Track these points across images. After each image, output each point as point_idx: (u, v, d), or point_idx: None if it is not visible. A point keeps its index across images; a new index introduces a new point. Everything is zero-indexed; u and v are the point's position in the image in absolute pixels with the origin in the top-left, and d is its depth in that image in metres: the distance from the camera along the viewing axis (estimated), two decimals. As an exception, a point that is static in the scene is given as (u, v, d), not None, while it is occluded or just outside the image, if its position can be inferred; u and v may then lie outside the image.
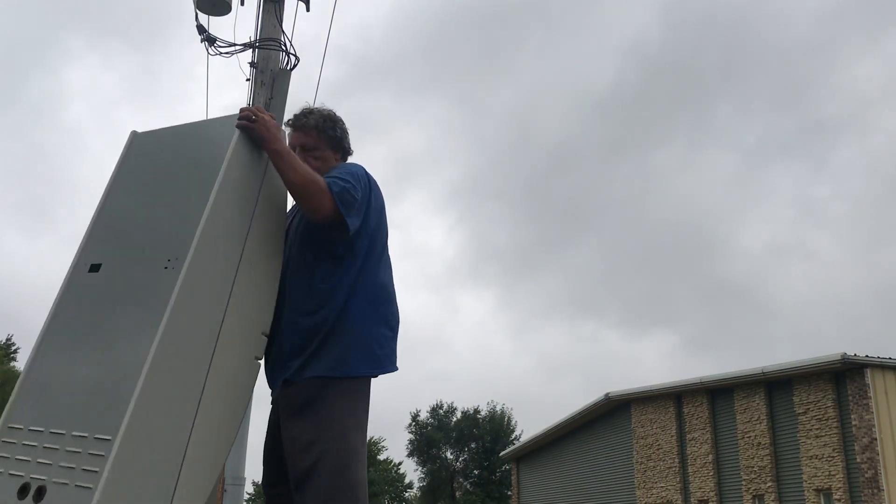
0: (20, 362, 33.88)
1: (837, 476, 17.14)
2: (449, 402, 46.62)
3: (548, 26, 72.26)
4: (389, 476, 47.10)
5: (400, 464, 47.94)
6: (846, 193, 67.35)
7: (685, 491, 21.65)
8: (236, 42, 7.64)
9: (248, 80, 7.62)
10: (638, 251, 66.46)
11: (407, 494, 48.36)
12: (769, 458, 19.00)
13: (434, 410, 46.25)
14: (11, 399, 2.22)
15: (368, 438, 2.69)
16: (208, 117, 3.88)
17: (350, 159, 2.83)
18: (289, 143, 2.65)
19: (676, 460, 21.96)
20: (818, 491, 17.62)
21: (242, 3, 7.75)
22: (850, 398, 17.15)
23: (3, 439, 2.16)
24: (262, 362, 2.49)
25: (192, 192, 2.36)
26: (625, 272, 68.41)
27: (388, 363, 2.60)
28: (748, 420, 19.74)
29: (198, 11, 7.48)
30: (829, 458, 17.44)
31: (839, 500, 17.02)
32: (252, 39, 7.60)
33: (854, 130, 68.19)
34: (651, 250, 65.97)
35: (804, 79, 69.32)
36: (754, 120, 65.18)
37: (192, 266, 2.18)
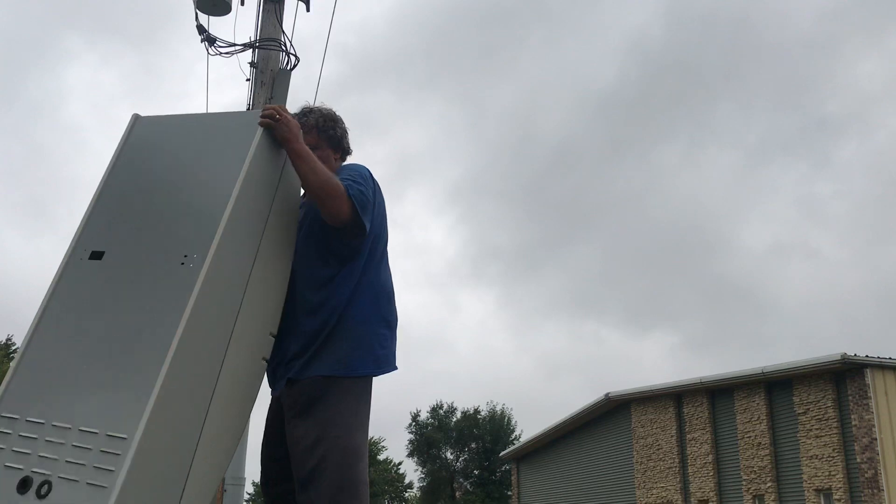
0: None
1: (837, 476, 17.15)
2: (449, 402, 46.64)
3: (549, 25, 72.33)
4: (389, 476, 47.06)
5: (400, 464, 47.98)
6: (848, 192, 67.33)
7: (685, 491, 21.66)
8: (236, 42, 7.66)
9: (248, 80, 7.65)
10: (639, 250, 66.48)
11: (407, 494, 48.38)
12: (769, 458, 19.01)
13: (434, 410, 46.24)
14: (3, 387, 2.13)
15: (369, 438, 2.69)
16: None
17: (350, 158, 2.84)
18: None
19: (676, 460, 21.97)
20: (818, 491, 17.63)
21: (242, 3, 7.75)
22: (851, 398, 17.16)
23: None
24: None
25: (204, 186, 2.33)
26: (625, 272, 68.47)
27: (389, 362, 2.61)
28: (748, 420, 19.75)
29: (198, 11, 7.48)
30: (829, 458, 17.44)
31: (839, 500, 17.02)
32: (252, 39, 7.60)
33: (856, 129, 68.24)
34: (652, 249, 65.97)
35: (806, 77, 69.35)
36: (756, 118, 65.14)
37: (213, 264, 2.16)
